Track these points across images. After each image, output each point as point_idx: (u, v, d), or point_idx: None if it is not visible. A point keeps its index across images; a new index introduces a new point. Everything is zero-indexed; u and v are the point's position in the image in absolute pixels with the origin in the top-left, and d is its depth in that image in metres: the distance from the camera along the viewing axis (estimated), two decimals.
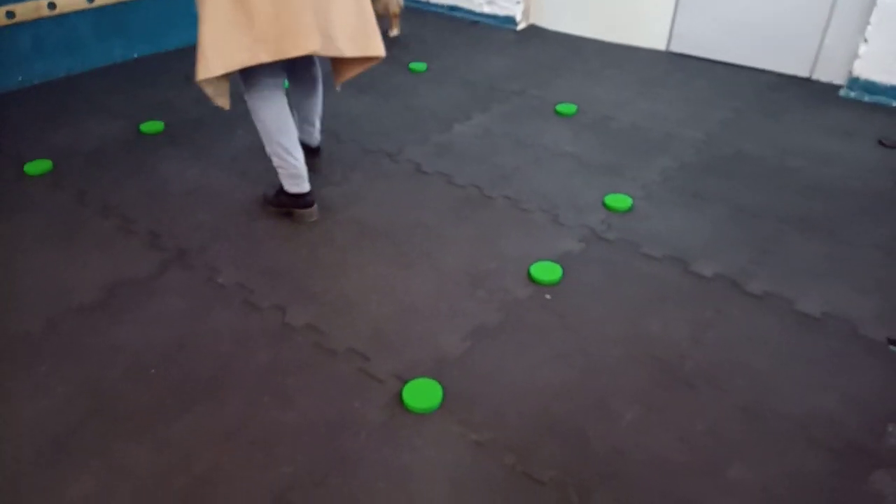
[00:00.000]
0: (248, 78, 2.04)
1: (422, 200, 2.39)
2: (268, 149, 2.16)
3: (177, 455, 1.43)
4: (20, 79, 3.19)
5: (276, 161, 2.16)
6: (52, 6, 3.15)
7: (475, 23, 4.30)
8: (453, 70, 3.54)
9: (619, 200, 2.33)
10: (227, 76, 1.92)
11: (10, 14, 3.04)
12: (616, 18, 3.92)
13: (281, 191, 2.25)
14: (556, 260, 2.04)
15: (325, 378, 1.64)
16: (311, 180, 2.26)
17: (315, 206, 2.24)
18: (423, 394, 1.56)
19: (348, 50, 1.97)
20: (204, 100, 2.66)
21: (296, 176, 2.17)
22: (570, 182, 2.50)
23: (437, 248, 2.13)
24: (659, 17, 3.77)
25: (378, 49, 2.04)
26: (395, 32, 3.94)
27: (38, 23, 3.15)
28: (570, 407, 1.57)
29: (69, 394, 1.58)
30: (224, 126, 2.87)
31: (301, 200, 2.21)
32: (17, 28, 3.09)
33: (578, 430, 1.51)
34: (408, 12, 4.20)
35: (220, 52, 1.81)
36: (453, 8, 4.41)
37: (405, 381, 1.61)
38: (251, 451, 1.45)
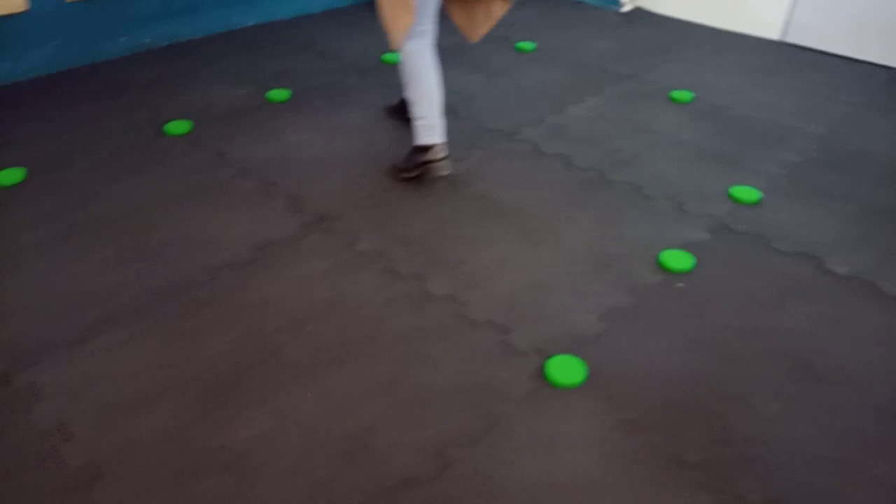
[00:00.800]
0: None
1: (542, 180, 2.43)
2: (412, 96, 2.27)
3: (338, 405, 1.55)
4: (148, 41, 3.36)
5: (418, 110, 2.27)
6: None
7: (578, 3, 4.26)
8: (561, 50, 3.53)
9: (746, 192, 2.32)
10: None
11: None
12: (727, 5, 3.82)
13: (414, 150, 2.34)
14: (686, 248, 2.06)
15: (467, 346, 1.72)
16: None
17: (447, 159, 2.32)
18: (567, 370, 1.62)
19: None
20: (322, 72, 3.03)
21: (433, 127, 2.29)
22: (692, 170, 2.49)
23: (563, 229, 2.17)
24: (774, 6, 3.66)
25: None
26: None
27: None
28: (710, 394, 1.60)
29: (234, 341, 1.71)
30: (345, 98, 2.96)
31: (434, 149, 2.30)
32: None
33: (720, 416, 1.55)
34: None
35: (396, 23, 2.07)
36: None
37: (547, 356, 1.68)
38: (407, 408, 1.54)
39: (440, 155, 2.31)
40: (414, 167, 2.35)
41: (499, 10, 2.28)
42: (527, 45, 3.54)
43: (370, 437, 1.47)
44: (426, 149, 2.31)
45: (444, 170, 2.33)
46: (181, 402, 1.54)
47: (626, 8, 4.13)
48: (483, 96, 3.02)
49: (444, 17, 2.38)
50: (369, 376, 1.62)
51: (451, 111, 2.84)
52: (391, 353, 1.69)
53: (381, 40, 3.55)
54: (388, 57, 3.34)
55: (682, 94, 3.03)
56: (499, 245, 2.10)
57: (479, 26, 2.34)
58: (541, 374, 1.63)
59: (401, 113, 2.76)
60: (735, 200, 2.32)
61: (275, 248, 2.05)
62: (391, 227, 2.17)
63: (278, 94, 2.94)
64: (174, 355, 1.66)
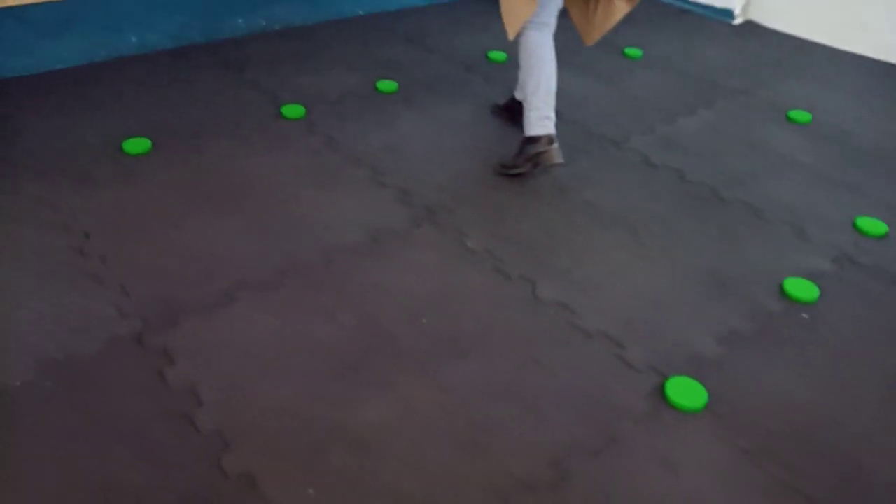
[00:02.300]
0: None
1: (653, 193, 2.37)
2: (530, 87, 2.29)
3: (456, 401, 1.55)
4: (264, 23, 3.45)
5: (534, 100, 2.28)
6: None
7: (686, 11, 4.14)
8: (670, 59, 3.44)
9: (873, 225, 2.20)
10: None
11: None
12: (847, 25, 3.63)
13: (525, 141, 2.33)
14: (809, 277, 1.98)
15: (582, 357, 1.70)
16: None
17: (558, 145, 2.31)
18: (687, 392, 1.58)
19: None
20: (429, 64, 3.14)
21: (549, 118, 2.30)
22: (813, 196, 2.39)
23: (677, 244, 2.12)
24: None
25: None
26: None
27: None
28: (838, 432, 1.53)
29: (353, 325, 1.74)
30: (452, 92, 2.97)
31: (547, 138, 2.29)
32: None
33: (850, 457, 1.47)
34: None
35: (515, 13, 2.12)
36: None
37: (665, 376, 1.63)
38: (524, 411, 1.54)
39: (553, 144, 2.30)
40: (525, 160, 2.33)
41: (618, 12, 2.24)
42: (634, 52, 3.47)
43: (487, 437, 1.47)
44: (538, 139, 2.30)
45: (557, 157, 2.30)
46: (306, 378, 1.58)
47: (738, 20, 3.99)
48: (590, 101, 2.98)
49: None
50: (485, 375, 1.62)
51: (557, 114, 2.79)
52: (505, 354, 1.69)
53: (486, 36, 3.54)
54: (493, 54, 3.32)
55: (799, 115, 2.90)
56: (610, 255, 2.06)
57: (595, 29, 2.30)
58: (659, 394, 1.59)
59: (507, 112, 2.75)
60: (860, 231, 2.20)
61: (386, 237, 2.07)
62: (499, 226, 2.16)
63: (387, 84, 2.97)
64: (298, 331, 1.70)
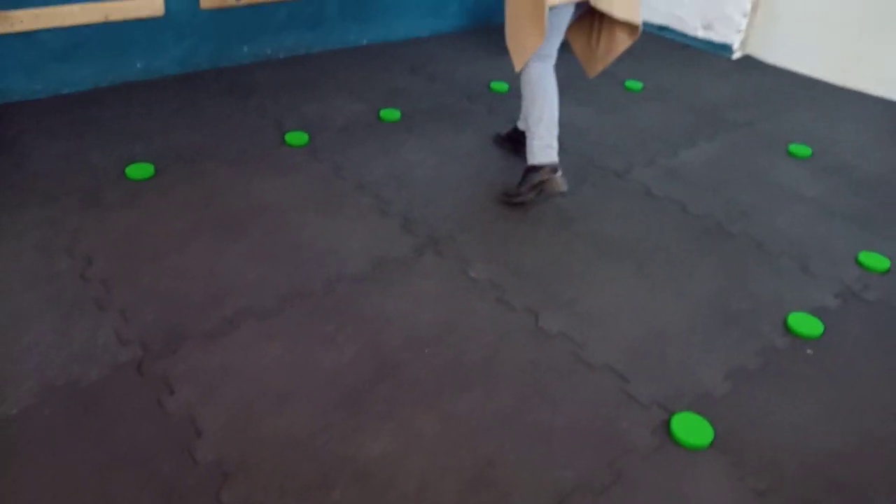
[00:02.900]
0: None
1: (657, 224, 2.38)
2: (533, 117, 2.31)
3: (460, 433, 1.53)
4: (269, 51, 3.49)
5: (537, 130, 2.30)
6: None
7: (686, 46, 4.20)
8: (670, 92, 3.48)
9: (876, 260, 2.21)
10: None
11: None
12: (846, 61, 3.69)
13: (528, 170, 2.34)
14: (813, 313, 1.97)
15: (586, 390, 1.68)
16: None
17: (561, 174, 2.32)
18: (693, 429, 1.55)
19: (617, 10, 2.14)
20: (432, 94, 3.16)
21: (552, 147, 2.32)
22: (816, 230, 2.39)
23: (682, 277, 2.11)
24: None
25: (635, 16, 2.18)
26: None
27: (295, 1, 3.42)
28: (851, 471, 1.51)
29: (356, 353, 1.72)
30: (455, 122, 2.99)
31: (551, 166, 2.31)
32: (278, 4, 3.38)
33: (865, 497, 1.45)
34: None
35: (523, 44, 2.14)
36: (663, 28, 4.34)
37: (670, 412, 1.62)
38: (529, 446, 1.51)
39: (557, 173, 2.31)
40: (529, 188, 2.34)
41: (621, 44, 2.28)
42: (635, 85, 3.51)
43: (491, 471, 1.45)
44: (542, 168, 2.31)
45: (561, 186, 2.31)
46: (308, 407, 1.55)
47: (737, 55, 4.05)
48: (593, 132, 3.00)
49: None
50: (489, 407, 1.60)
51: (560, 144, 2.81)
52: (509, 386, 1.67)
53: (489, 67, 3.59)
54: (496, 85, 3.36)
55: (800, 149, 2.93)
56: (614, 287, 2.06)
57: (598, 61, 2.35)
58: (665, 429, 1.57)
59: (509, 142, 2.76)
60: (863, 267, 2.20)
61: (390, 265, 2.07)
62: (503, 256, 2.16)
63: (390, 113, 2.99)
64: (301, 360, 1.68)
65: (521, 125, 2.64)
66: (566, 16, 2.21)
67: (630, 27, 2.21)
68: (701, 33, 4.16)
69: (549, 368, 1.74)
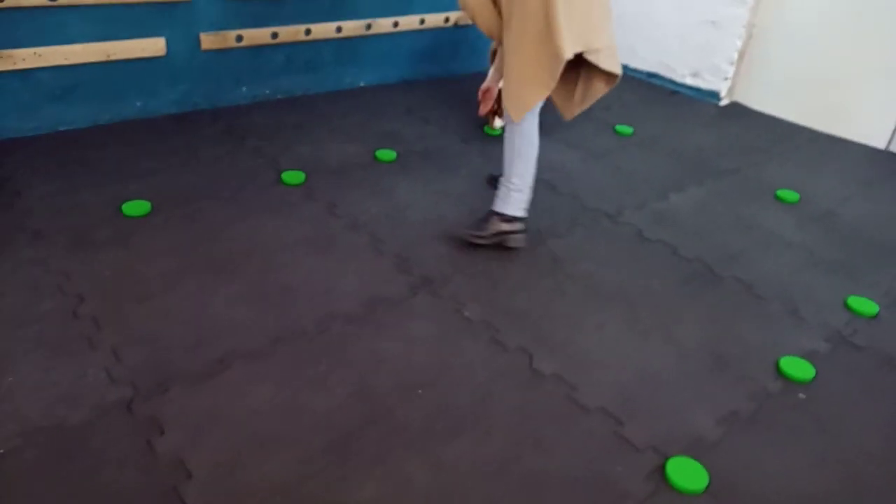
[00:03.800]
0: None
1: (648, 267, 2.40)
2: (518, 168, 2.28)
3: (451, 481, 1.51)
4: (267, 92, 3.55)
5: (518, 183, 2.29)
6: (308, 32, 3.50)
7: (674, 92, 4.32)
8: (660, 137, 3.56)
9: (864, 305, 2.23)
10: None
11: (275, 35, 3.40)
12: (831, 109, 3.80)
13: (496, 217, 2.35)
14: (804, 357, 1.98)
15: (580, 434, 1.67)
16: (537, 230, 2.46)
17: (525, 233, 2.36)
18: (688, 474, 1.55)
19: (603, 62, 2.12)
20: (427, 136, 3.15)
21: (527, 202, 2.34)
22: (804, 275, 2.43)
23: (672, 321, 2.12)
24: (881, 115, 3.62)
25: (617, 68, 2.18)
26: None
27: (293, 45, 3.50)
28: None
29: (347, 396, 1.71)
30: (449, 164, 3.04)
31: (519, 224, 2.34)
32: (277, 48, 3.45)
33: None
34: None
35: (528, 98, 2.12)
36: (652, 75, 4.46)
37: (665, 457, 1.61)
38: (522, 495, 1.49)
39: (522, 227, 2.35)
40: (494, 234, 2.36)
41: (598, 91, 2.27)
42: (625, 129, 3.59)
43: None
44: (513, 220, 2.34)
45: (522, 242, 2.37)
46: (297, 452, 1.53)
47: (724, 101, 4.16)
48: (583, 175, 3.05)
49: None
50: (481, 453, 1.58)
51: (550, 186, 2.87)
52: (502, 430, 1.66)
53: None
54: (489, 129, 3.42)
55: (788, 194, 2.99)
56: (606, 329, 2.06)
57: (575, 105, 2.33)
58: (660, 474, 1.56)
59: None
60: (852, 311, 2.23)
61: (383, 305, 2.07)
62: (495, 297, 2.17)
63: (386, 154, 3.04)
64: (291, 403, 1.67)
65: None
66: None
67: (608, 76, 2.22)
68: (689, 80, 4.28)
69: (543, 412, 1.73)
